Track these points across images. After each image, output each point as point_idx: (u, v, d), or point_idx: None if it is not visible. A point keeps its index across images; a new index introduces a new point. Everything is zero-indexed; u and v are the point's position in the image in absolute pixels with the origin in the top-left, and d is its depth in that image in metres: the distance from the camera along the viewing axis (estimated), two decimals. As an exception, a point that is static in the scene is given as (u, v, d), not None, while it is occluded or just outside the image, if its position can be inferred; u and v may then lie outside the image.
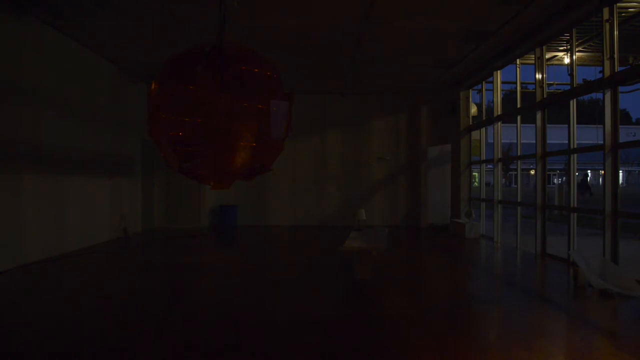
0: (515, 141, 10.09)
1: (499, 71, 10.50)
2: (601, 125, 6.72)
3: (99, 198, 10.04)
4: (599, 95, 7.01)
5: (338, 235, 8.72)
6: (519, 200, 9.88)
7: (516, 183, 10.49)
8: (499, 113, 10.59)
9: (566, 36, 8.27)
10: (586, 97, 8.47)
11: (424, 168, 13.74)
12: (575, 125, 7.75)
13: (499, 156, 10.83)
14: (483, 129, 12.38)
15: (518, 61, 9.55)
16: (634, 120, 51.87)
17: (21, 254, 7.36)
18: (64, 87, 8.62)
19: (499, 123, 10.65)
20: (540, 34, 8.04)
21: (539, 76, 8.60)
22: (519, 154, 10.11)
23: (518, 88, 9.92)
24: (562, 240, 8.25)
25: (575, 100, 7.76)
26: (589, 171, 39.53)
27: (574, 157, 7.76)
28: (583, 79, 7.97)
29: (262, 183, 13.01)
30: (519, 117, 9.86)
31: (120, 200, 10.94)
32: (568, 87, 8.04)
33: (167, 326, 4.55)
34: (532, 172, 18.90)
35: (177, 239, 10.78)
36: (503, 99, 11.02)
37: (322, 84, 12.86)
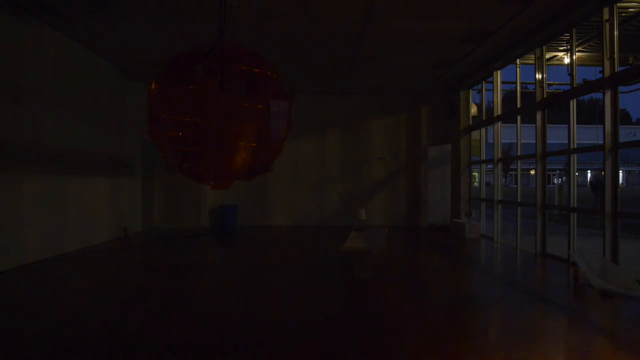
0: (515, 141, 10.09)
1: (499, 71, 10.50)
2: (601, 125, 6.72)
3: (99, 198, 10.04)
4: (599, 95, 7.01)
5: (338, 235, 8.72)
6: (519, 200, 9.88)
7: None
8: (499, 113, 10.59)
9: (566, 36, 8.27)
10: (586, 97, 8.44)
11: (424, 168, 13.75)
12: (575, 125, 7.76)
13: (499, 156, 10.83)
14: (483, 129, 12.38)
15: (518, 61, 9.55)
16: (634, 120, 51.91)
17: (21, 254, 7.36)
18: (64, 87, 8.63)
19: (499, 123, 10.65)
20: (540, 34, 8.04)
21: (539, 76, 8.60)
22: (519, 154, 10.11)
23: (518, 88, 9.92)
24: (562, 240, 8.25)
25: (575, 100, 7.76)
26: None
27: (574, 157, 7.76)
28: (583, 79, 7.96)
29: (262, 183, 13.03)
30: (519, 117, 9.87)
31: (120, 200, 10.93)
32: (568, 87, 8.04)
33: (167, 326, 4.55)
34: (532, 172, 18.87)
35: (177, 239, 10.78)
36: (503, 99, 11.02)
37: (322, 84, 12.86)
